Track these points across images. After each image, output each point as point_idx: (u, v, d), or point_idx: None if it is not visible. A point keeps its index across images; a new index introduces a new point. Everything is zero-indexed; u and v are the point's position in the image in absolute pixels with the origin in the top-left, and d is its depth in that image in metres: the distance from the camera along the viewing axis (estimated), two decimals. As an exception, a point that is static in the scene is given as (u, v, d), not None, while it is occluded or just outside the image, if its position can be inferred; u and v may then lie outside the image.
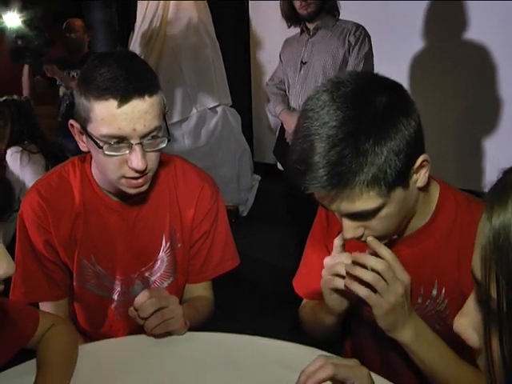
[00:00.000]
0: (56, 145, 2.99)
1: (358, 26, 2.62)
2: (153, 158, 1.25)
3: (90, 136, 1.21)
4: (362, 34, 2.60)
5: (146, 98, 1.17)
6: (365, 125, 0.92)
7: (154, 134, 1.21)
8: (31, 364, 1.14)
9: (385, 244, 1.06)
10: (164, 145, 1.25)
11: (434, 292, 1.14)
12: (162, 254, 1.46)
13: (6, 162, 2.87)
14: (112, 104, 1.15)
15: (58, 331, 1.22)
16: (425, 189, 1.09)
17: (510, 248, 0.49)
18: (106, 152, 1.20)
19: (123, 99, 1.15)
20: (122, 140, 1.19)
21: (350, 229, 1.03)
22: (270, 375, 1.06)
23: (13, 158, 2.82)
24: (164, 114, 1.27)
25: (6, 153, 2.85)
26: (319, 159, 0.93)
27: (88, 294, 1.45)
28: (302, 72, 2.72)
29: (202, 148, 4.06)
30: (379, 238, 1.06)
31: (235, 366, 1.15)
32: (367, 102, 0.94)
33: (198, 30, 3.82)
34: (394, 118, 0.95)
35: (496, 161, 2.93)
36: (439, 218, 1.13)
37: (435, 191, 1.15)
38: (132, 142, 1.19)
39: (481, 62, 3.01)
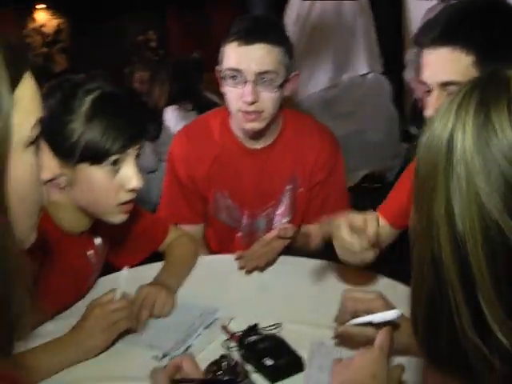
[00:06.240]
0: (211, 103, 3.30)
1: None
2: (266, 98, 1.49)
3: (220, 73, 1.52)
4: None
5: (266, 45, 1.45)
6: (488, 18, 1.13)
7: (268, 76, 1.47)
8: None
9: None
10: (276, 90, 1.49)
11: None
12: (284, 196, 1.70)
13: (163, 119, 3.27)
14: (235, 44, 1.46)
15: (183, 241, 1.56)
16: None
17: None
18: (228, 82, 1.50)
19: (245, 41, 1.45)
20: (240, 75, 1.47)
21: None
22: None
23: (170, 115, 3.22)
24: (288, 71, 1.52)
25: (164, 110, 3.26)
26: (444, 16, 1.16)
27: (219, 222, 1.74)
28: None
29: (351, 114, 4.19)
30: None
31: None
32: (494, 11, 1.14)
33: (351, -2, 3.91)
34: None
35: None
36: None
37: None
38: (248, 78, 1.46)
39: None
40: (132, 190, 1.20)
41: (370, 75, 4.20)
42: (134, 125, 1.19)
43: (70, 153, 1.13)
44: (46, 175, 0.67)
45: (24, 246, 0.65)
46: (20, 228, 0.60)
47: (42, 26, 7.85)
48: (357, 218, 1.20)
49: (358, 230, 1.18)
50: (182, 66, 3.38)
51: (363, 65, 4.14)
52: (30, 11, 7.77)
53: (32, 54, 7.41)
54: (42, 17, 7.88)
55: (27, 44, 7.47)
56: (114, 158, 1.15)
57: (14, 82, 0.58)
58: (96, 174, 1.16)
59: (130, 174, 1.19)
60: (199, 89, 3.42)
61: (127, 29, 8.39)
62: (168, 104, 3.26)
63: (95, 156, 1.14)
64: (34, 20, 7.83)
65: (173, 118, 3.18)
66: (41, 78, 0.88)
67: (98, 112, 1.14)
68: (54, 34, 7.94)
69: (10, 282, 0.57)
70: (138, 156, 1.21)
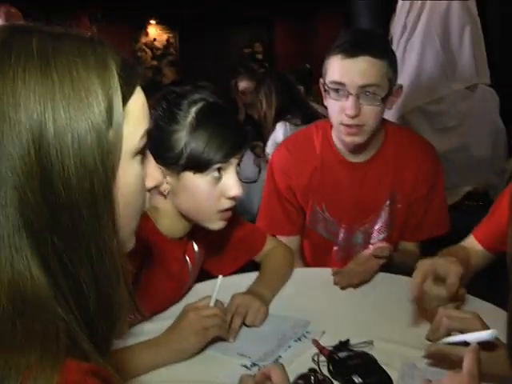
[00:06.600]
0: (319, 115, 3.14)
1: None
2: (368, 112, 1.47)
3: (324, 86, 1.53)
4: None
5: (370, 58, 1.44)
6: None
7: (371, 89, 1.45)
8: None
9: None
10: (378, 103, 1.47)
11: None
12: (383, 211, 1.66)
13: (272, 133, 3.28)
14: (338, 57, 1.46)
15: (279, 252, 1.57)
16: None
17: None
18: (331, 95, 1.50)
19: (348, 54, 1.44)
20: (343, 88, 1.46)
21: None
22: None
23: (279, 130, 3.21)
24: (391, 84, 1.49)
25: (275, 123, 3.25)
26: None
27: (316, 234, 1.74)
28: None
29: (455, 128, 4.03)
30: None
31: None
32: None
33: (459, 8, 3.77)
34: None
35: None
36: None
37: None
38: (350, 91, 1.44)
39: None
40: (232, 198, 1.24)
41: (477, 87, 4.03)
42: (236, 135, 1.22)
43: (175, 162, 1.18)
44: (151, 183, 0.70)
45: (126, 249, 0.68)
46: (122, 231, 0.63)
47: (153, 40, 8.28)
48: (441, 265, 1.17)
49: (440, 280, 1.16)
50: (287, 78, 3.37)
51: (470, 76, 3.97)
52: (143, 26, 8.22)
53: (142, 67, 7.83)
54: (154, 31, 8.30)
55: (138, 58, 7.91)
56: (216, 166, 1.19)
57: (126, 96, 0.62)
58: (199, 182, 1.20)
59: (230, 183, 1.22)
60: (306, 101, 3.39)
61: (234, 41, 8.65)
62: (276, 116, 3.26)
63: (198, 165, 1.18)
64: (146, 34, 8.27)
65: (282, 133, 3.18)
66: (150, 91, 0.93)
67: (201, 123, 1.18)
68: (163, 48, 8.34)
69: (113, 282, 0.60)
70: (238, 164, 1.25)
